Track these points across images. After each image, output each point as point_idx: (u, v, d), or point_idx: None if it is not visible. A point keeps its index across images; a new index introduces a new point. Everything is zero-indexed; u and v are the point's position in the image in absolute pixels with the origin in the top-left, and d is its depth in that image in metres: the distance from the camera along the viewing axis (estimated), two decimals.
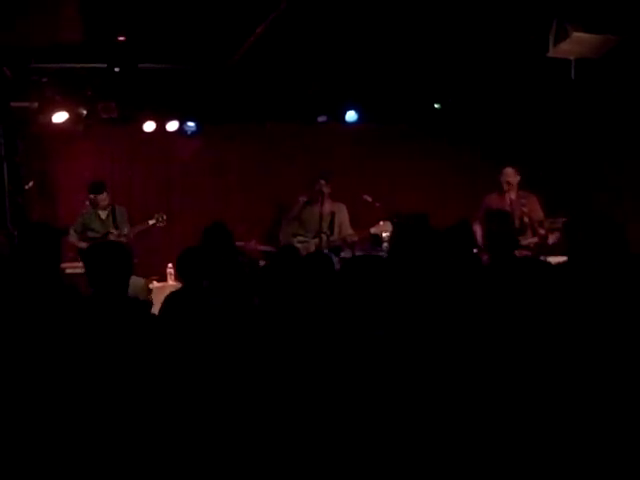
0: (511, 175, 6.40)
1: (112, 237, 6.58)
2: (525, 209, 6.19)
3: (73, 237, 6.69)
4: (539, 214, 6.31)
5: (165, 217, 6.86)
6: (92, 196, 6.78)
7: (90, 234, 6.70)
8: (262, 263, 4.80)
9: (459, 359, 2.47)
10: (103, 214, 6.80)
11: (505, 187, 6.38)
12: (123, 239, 6.58)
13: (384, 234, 6.31)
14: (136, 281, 6.34)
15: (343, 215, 6.73)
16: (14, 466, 2.38)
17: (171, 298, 3.99)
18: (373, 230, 6.42)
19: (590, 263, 3.34)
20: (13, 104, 6.81)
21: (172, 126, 7.63)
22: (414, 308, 2.91)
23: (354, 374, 2.35)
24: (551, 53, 5.33)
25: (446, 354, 2.51)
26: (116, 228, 6.72)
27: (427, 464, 2.20)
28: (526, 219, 6.16)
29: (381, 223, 6.37)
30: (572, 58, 5.39)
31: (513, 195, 6.38)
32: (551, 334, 2.45)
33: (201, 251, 4.11)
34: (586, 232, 3.45)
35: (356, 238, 6.51)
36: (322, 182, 6.58)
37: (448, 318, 2.90)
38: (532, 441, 2.21)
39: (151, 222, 6.84)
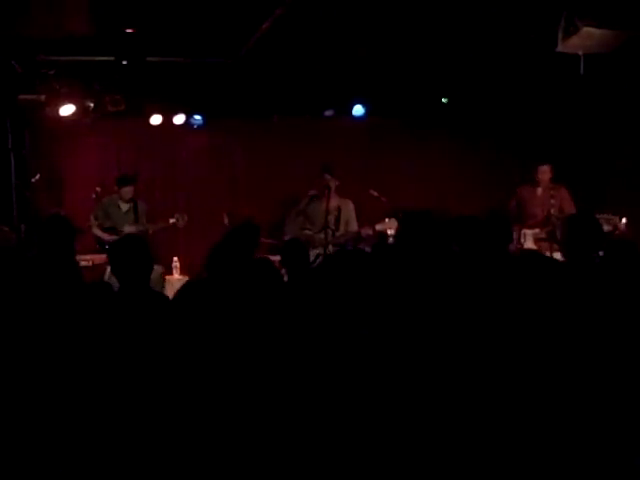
0: (545, 173, 6.81)
1: (129, 230, 6.62)
2: (553, 201, 6.52)
3: (94, 225, 6.73)
4: (569, 206, 6.62)
5: (186, 218, 6.88)
6: (117, 188, 6.87)
7: (108, 224, 6.74)
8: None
9: (457, 355, 2.47)
10: (124, 206, 6.84)
11: (537, 180, 6.79)
12: (142, 231, 6.66)
13: (389, 231, 6.29)
14: (154, 270, 6.41)
15: (349, 211, 6.71)
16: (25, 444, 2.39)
17: (188, 288, 3.95)
18: (378, 227, 6.40)
19: (586, 259, 3.35)
20: (21, 97, 6.81)
21: (179, 119, 7.64)
22: (417, 303, 2.91)
23: (347, 371, 2.35)
24: (560, 48, 5.31)
25: (444, 349, 2.50)
26: (136, 222, 6.75)
27: (419, 464, 2.20)
28: (553, 211, 6.48)
29: (386, 220, 6.35)
30: (581, 53, 5.37)
31: (543, 188, 6.76)
32: (548, 329, 2.45)
33: (230, 247, 4.08)
34: (578, 229, 3.47)
35: (365, 233, 6.48)
36: (327, 176, 6.56)
37: (450, 313, 2.90)
38: (530, 438, 2.20)
39: (172, 221, 6.89)
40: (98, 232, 6.72)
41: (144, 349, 2.76)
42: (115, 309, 3.09)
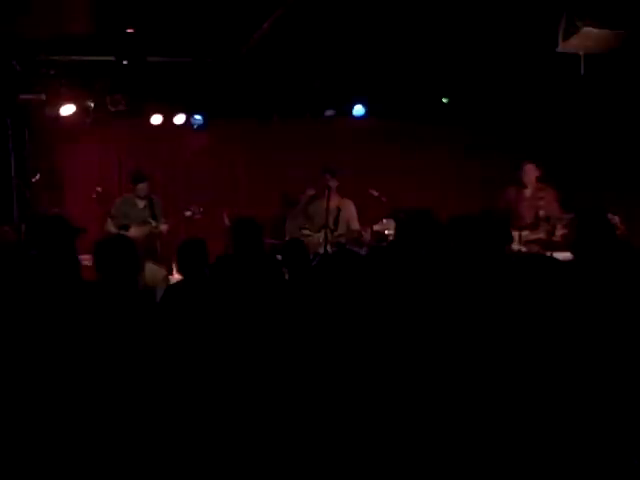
0: (530, 171, 6.57)
1: (151, 228, 6.62)
2: (542, 202, 6.33)
3: (110, 224, 6.73)
4: (556, 208, 6.43)
5: (202, 209, 6.84)
6: (132, 186, 6.84)
7: (126, 222, 6.73)
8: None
9: (459, 355, 2.47)
10: (140, 203, 6.83)
11: (524, 182, 6.57)
12: (163, 229, 6.67)
13: (387, 231, 6.30)
14: (157, 271, 6.43)
15: (350, 212, 6.72)
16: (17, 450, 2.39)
17: (170, 291, 3.99)
18: (376, 228, 6.40)
19: (595, 259, 3.35)
20: (21, 96, 6.82)
21: (179, 119, 7.64)
22: (416, 302, 2.91)
23: (346, 371, 2.35)
24: (560, 48, 5.31)
25: (445, 350, 2.50)
26: (154, 219, 6.75)
27: (425, 462, 2.19)
28: (542, 212, 6.30)
29: (384, 221, 6.36)
30: (581, 53, 5.37)
31: (531, 189, 6.56)
32: (553, 330, 2.45)
33: (200, 243, 4.10)
34: (591, 229, 3.47)
35: (368, 238, 6.48)
36: (328, 177, 6.58)
37: (450, 312, 2.90)
38: (532, 438, 2.20)
39: (187, 214, 6.86)
40: (113, 230, 6.69)
41: (133, 347, 2.76)
42: (97, 308, 3.06)
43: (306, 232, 6.59)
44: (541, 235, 6.29)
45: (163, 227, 6.73)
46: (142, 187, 6.77)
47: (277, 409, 2.35)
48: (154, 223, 6.71)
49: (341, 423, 2.28)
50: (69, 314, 2.98)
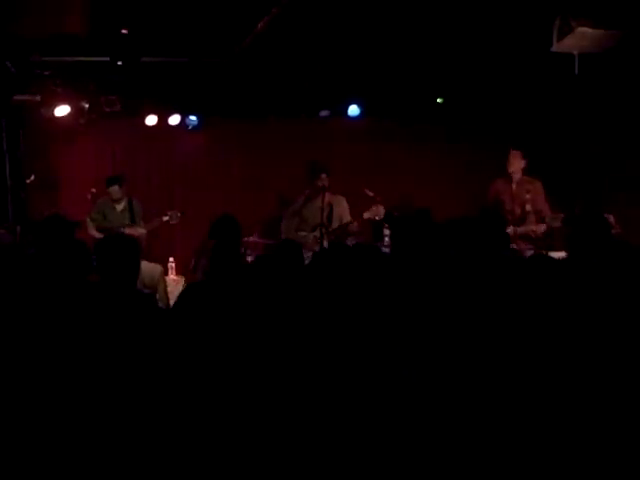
0: (514, 158, 6.47)
1: (127, 230, 6.60)
2: (528, 196, 6.23)
3: (90, 226, 6.71)
4: (542, 201, 6.36)
5: (180, 215, 6.87)
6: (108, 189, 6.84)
7: (106, 224, 6.72)
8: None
9: (458, 356, 2.47)
10: (119, 206, 6.82)
11: (509, 170, 6.48)
12: (140, 233, 6.65)
13: (377, 217, 6.29)
14: (154, 268, 6.42)
15: (342, 207, 6.72)
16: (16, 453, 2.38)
17: (191, 290, 3.93)
18: (366, 215, 6.40)
19: (590, 258, 3.36)
20: (15, 97, 6.80)
21: (174, 120, 7.63)
22: (415, 304, 2.91)
23: (351, 372, 2.35)
24: (555, 48, 5.32)
25: (445, 351, 2.51)
26: (132, 221, 6.72)
27: (427, 464, 2.20)
28: (528, 207, 6.21)
29: (374, 207, 6.35)
30: (576, 53, 5.38)
31: (517, 181, 6.48)
32: (554, 331, 2.45)
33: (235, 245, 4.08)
34: (585, 227, 3.48)
35: (355, 226, 6.47)
36: (323, 176, 6.58)
37: (450, 314, 2.90)
38: (532, 438, 2.21)
39: (165, 218, 6.87)
40: (94, 233, 6.69)
41: (132, 346, 2.75)
42: (96, 307, 3.06)
43: (302, 233, 6.59)
44: (530, 228, 6.22)
45: (141, 231, 6.70)
46: (113, 190, 6.78)
47: (277, 409, 2.35)
48: (131, 226, 6.70)
49: (340, 424, 2.28)
50: (68, 313, 2.97)
